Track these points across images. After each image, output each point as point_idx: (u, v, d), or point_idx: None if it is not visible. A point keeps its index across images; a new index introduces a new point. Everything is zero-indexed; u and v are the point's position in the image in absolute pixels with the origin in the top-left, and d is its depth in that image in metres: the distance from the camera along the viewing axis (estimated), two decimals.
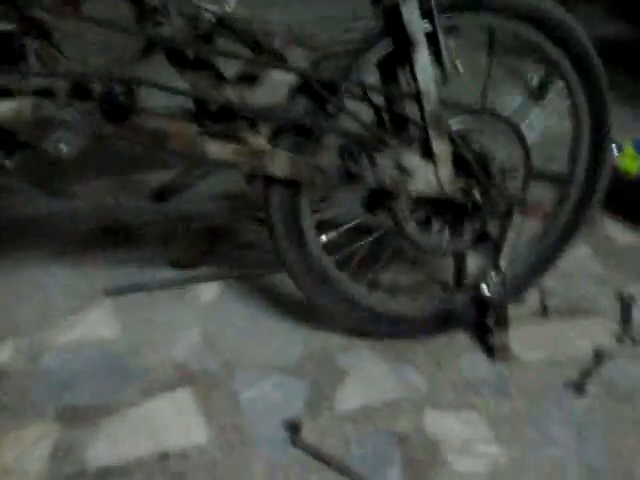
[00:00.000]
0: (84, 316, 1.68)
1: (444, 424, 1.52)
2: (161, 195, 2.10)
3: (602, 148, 1.64)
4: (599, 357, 1.71)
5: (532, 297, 1.86)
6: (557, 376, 1.65)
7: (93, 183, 2.09)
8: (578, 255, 2.07)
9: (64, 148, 1.29)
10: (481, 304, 1.67)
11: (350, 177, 1.42)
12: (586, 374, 1.66)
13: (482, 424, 1.53)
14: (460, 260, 1.69)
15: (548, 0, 1.48)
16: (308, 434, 1.45)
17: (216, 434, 1.43)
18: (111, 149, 2.15)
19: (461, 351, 1.70)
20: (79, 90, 1.31)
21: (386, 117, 1.53)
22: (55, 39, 1.28)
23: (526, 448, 1.48)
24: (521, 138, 1.53)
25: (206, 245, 1.92)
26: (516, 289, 1.72)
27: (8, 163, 1.38)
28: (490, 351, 1.68)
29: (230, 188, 2.11)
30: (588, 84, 1.56)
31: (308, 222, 1.51)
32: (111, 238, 1.93)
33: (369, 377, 1.61)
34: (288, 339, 1.68)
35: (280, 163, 1.40)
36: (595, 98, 1.58)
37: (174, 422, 1.45)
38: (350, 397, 1.55)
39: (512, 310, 1.77)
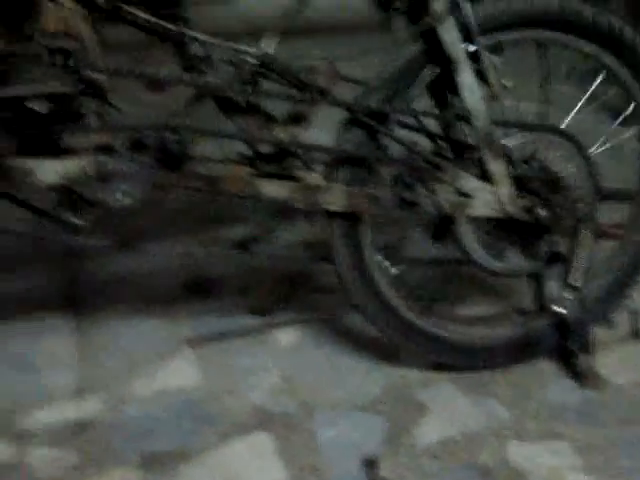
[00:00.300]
0: (166, 366, 1.72)
1: (529, 455, 1.46)
2: (241, 247, 2.15)
3: None
4: None
5: (623, 320, 1.77)
6: None
7: (173, 241, 2.15)
8: None
9: (125, 199, 1.35)
10: (563, 328, 1.61)
11: (406, 204, 1.42)
12: None
13: (570, 453, 1.46)
14: (538, 283, 1.63)
15: (587, 6, 1.45)
16: (387, 471, 1.42)
17: (294, 476, 1.42)
18: (189, 207, 2.25)
19: (545, 379, 1.64)
20: (136, 143, 1.38)
21: (443, 143, 1.53)
22: (110, 97, 1.36)
23: (619, 477, 1.39)
24: (585, 155, 1.48)
25: (284, 292, 1.94)
26: (599, 312, 1.64)
27: (79, 222, 1.46)
28: (577, 377, 1.60)
29: (307, 236, 2.13)
30: None
31: (372, 255, 1.51)
32: (192, 291, 1.98)
33: (449, 410, 1.57)
34: (366, 377, 1.66)
35: (335, 197, 1.41)
36: None
37: (252, 465, 1.45)
38: (430, 431, 1.52)
39: (601, 335, 1.71)
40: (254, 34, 1.45)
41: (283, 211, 2.30)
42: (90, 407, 1.60)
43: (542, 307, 1.61)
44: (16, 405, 1.60)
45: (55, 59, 1.26)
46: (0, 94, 1.22)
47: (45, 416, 1.57)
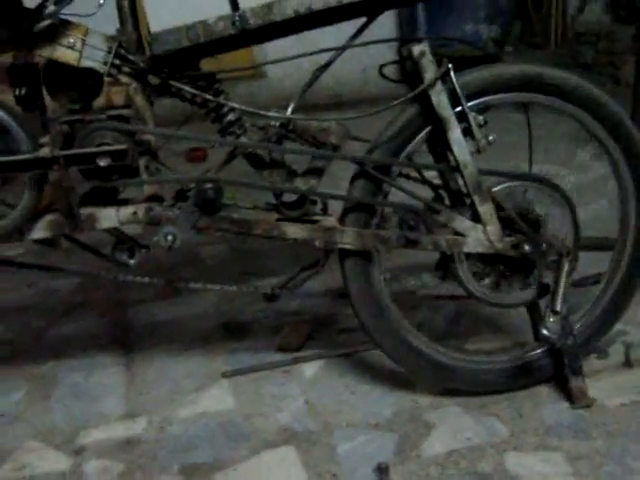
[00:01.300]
0: (205, 394, 1.94)
1: (525, 463, 1.63)
2: (272, 296, 2.39)
3: None
4: None
5: (617, 350, 1.97)
6: (638, 417, 1.73)
7: (213, 291, 2.41)
8: None
9: (172, 240, 1.60)
10: (556, 354, 1.80)
11: (409, 243, 1.66)
12: None
13: (562, 462, 1.63)
14: (534, 314, 1.83)
15: (573, 76, 1.69)
16: (397, 476, 1.61)
17: None
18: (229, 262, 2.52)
19: (543, 401, 1.82)
20: (180, 193, 1.65)
21: (442, 191, 1.77)
22: (160, 155, 1.64)
23: None
24: (566, 198, 1.71)
25: (309, 331, 2.17)
26: (588, 343, 1.84)
27: (131, 263, 1.73)
28: (570, 398, 1.79)
29: (331, 285, 2.36)
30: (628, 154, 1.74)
31: (383, 289, 1.74)
32: (228, 333, 2.23)
33: (454, 428, 1.75)
34: (381, 401, 1.86)
35: (348, 237, 1.65)
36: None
37: (278, 473, 1.66)
38: (436, 445, 1.70)
39: (597, 364, 1.90)
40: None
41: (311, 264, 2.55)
42: (138, 427, 1.83)
43: (536, 336, 1.82)
44: (73, 425, 1.84)
45: (118, 124, 1.55)
46: (77, 151, 1.49)
47: (98, 434, 1.81)
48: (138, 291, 2.50)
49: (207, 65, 1.68)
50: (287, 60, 1.57)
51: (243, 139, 1.65)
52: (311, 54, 1.63)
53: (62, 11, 1.53)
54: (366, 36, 1.67)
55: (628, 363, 1.94)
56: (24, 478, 1.67)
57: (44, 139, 1.52)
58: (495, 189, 1.68)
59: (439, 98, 1.59)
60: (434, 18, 4.76)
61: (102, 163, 1.51)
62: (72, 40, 1.53)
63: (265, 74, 4.97)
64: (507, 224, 1.69)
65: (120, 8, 1.54)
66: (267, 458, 1.70)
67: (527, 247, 1.68)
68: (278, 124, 1.61)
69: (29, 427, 1.84)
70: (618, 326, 2.02)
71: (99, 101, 1.60)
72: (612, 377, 1.90)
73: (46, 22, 1.49)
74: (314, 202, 1.69)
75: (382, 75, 1.75)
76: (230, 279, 2.48)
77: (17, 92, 1.59)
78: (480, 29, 4.84)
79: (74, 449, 1.76)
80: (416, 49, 1.58)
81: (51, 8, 1.49)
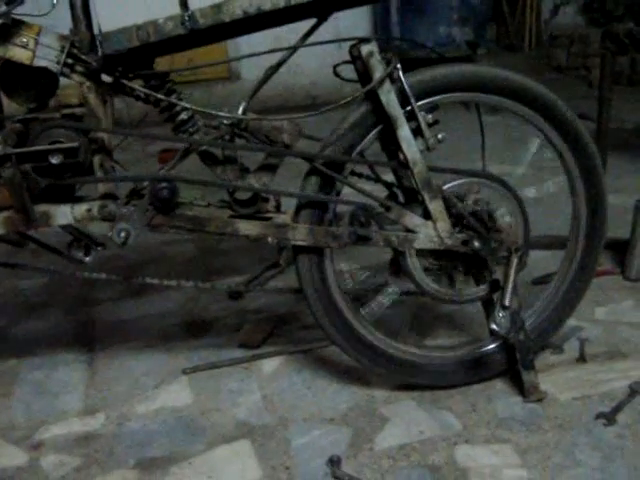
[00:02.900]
0: (164, 391, 1.96)
1: (475, 455, 1.66)
2: (235, 295, 2.42)
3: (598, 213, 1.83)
4: (634, 391, 1.81)
5: (572, 346, 2.00)
6: (589, 411, 1.78)
7: (176, 288, 2.43)
8: (621, 307, 2.20)
9: (125, 237, 1.62)
10: (509, 349, 1.84)
11: (360, 239, 1.68)
12: (619, 406, 1.77)
13: (512, 454, 1.66)
14: (488, 309, 1.86)
15: (519, 75, 1.72)
16: (349, 469, 1.63)
17: (268, 473, 1.64)
18: (194, 261, 2.54)
19: (496, 395, 1.86)
20: (134, 192, 1.67)
21: (396, 189, 1.80)
22: (114, 153, 1.66)
23: (553, 472, 1.60)
24: (515, 195, 1.75)
25: (270, 328, 2.19)
26: (538, 338, 1.88)
27: (87, 260, 1.75)
28: (522, 392, 1.82)
29: (294, 283, 2.38)
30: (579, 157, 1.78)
31: (336, 285, 1.76)
32: (191, 330, 2.25)
33: (408, 422, 1.78)
34: (337, 396, 1.89)
35: (300, 233, 1.68)
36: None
37: (233, 466, 1.68)
38: (388, 438, 1.73)
39: (552, 359, 1.94)
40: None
41: (275, 264, 2.59)
42: (96, 422, 1.85)
43: (490, 331, 1.85)
44: (33, 421, 1.86)
45: (68, 122, 1.57)
46: (28, 149, 1.51)
47: (56, 430, 1.82)
48: (103, 290, 2.53)
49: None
50: (236, 60, 1.59)
51: (196, 137, 1.67)
52: (263, 53, 1.66)
53: (16, 11, 1.55)
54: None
55: (582, 358, 1.97)
56: None
57: None
58: (445, 186, 1.71)
59: (388, 97, 1.62)
60: (407, 20, 4.80)
61: (54, 161, 1.53)
62: (25, 39, 1.55)
63: (239, 76, 5.00)
64: (458, 221, 1.72)
65: (73, 7, 1.55)
66: (222, 452, 1.73)
67: (477, 243, 1.71)
68: (231, 123, 1.63)
69: None
70: (574, 322, 2.07)
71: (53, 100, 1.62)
72: (565, 372, 1.93)
73: None
74: (266, 200, 1.71)
75: (336, 74, 1.77)
76: (195, 277, 2.49)
77: None
78: (453, 31, 4.89)
79: (32, 444, 1.78)
80: (364, 49, 1.61)
81: (3, 8, 1.50)
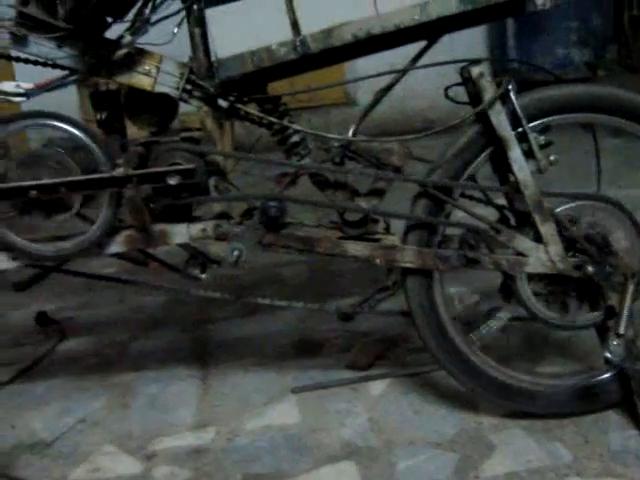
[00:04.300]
0: (272, 408, 2.00)
1: None
2: (346, 316, 2.44)
3: None
4: None
5: None
6: None
7: (288, 310, 2.48)
8: None
9: (238, 256, 1.68)
10: (624, 378, 1.76)
11: (469, 262, 1.67)
12: None
13: None
14: (603, 336, 1.79)
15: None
16: None
17: None
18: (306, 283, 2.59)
19: (610, 427, 1.78)
20: (248, 212, 1.73)
21: (508, 212, 1.78)
22: (228, 175, 1.72)
23: None
24: (631, 219, 1.68)
25: (379, 351, 2.20)
26: None
27: (202, 277, 1.81)
28: (639, 425, 1.74)
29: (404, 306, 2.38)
30: None
31: (444, 308, 1.75)
32: (301, 351, 2.28)
33: (516, 450, 1.73)
34: (444, 421, 1.87)
35: (408, 256, 1.68)
36: None
37: None
38: (495, 466, 1.69)
39: None
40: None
41: (387, 286, 2.59)
42: (207, 437, 1.90)
43: (604, 359, 1.78)
44: (147, 433, 1.93)
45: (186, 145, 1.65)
46: (148, 170, 1.60)
47: (169, 442, 1.89)
48: (218, 310, 2.60)
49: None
50: (347, 83, 1.62)
51: (307, 160, 1.71)
52: (374, 76, 1.69)
53: (140, 41, 1.64)
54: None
55: None
56: None
57: (120, 160, 1.62)
58: (558, 209, 1.67)
59: (499, 118, 1.60)
60: (524, 42, 4.73)
61: (171, 182, 1.60)
62: (147, 67, 1.64)
63: (356, 102, 5.08)
64: (571, 245, 1.67)
65: (192, 36, 1.63)
66: (327, 471, 1.73)
67: (590, 268, 1.66)
68: (339, 145, 1.66)
69: (106, 432, 1.94)
70: None
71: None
72: None
73: (124, 51, 1.60)
74: (376, 221, 1.72)
75: (447, 97, 1.77)
76: (307, 298, 2.54)
77: (99, 116, 1.71)
78: (572, 53, 4.77)
79: (146, 455, 1.85)
80: (474, 70, 1.60)
81: (128, 38, 1.60)
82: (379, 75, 1.71)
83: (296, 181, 1.73)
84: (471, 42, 4.73)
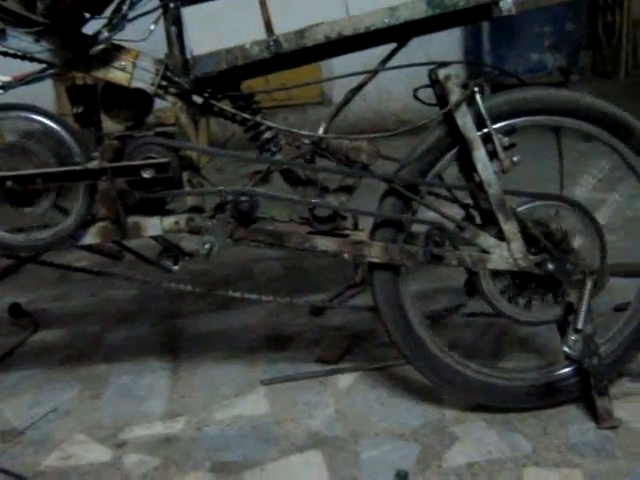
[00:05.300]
0: (242, 400, 2.04)
1: (543, 479, 1.66)
2: (316, 311, 2.49)
3: None
4: None
5: None
6: None
7: (260, 305, 2.52)
8: None
9: (209, 249, 1.71)
10: (583, 373, 1.82)
11: (434, 258, 1.72)
12: None
13: (581, 479, 1.64)
14: (563, 331, 1.85)
15: (601, 100, 1.73)
16: None
17: None
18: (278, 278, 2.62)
19: (569, 419, 1.84)
20: (220, 206, 1.77)
21: (473, 210, 1.83)
22: (202, 169, 1.76)
23: None
24: (590, 218, 1.75)
25: (347, 345, 2.24)
26: (614, 364, 1.86)
27: (175, 268, 1.85)
28: (595, 418, 1.80)
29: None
30: None
31: (410, 304, 1.80)
32: (271, 344, 2.33)
33: (477, 441, 1.79)
34: (409, 413, 1.92)
35: (376, 251, 1.73)
36: None
37: (303, 474, 1.73)
38: (457, 457, 1.75)
39: (629, 386, 1.91)
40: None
41: (356, 283, 2.64)
42: (177, 426, 1.94)
43: (563, 354, 1.84)
44: (118, 422, 1.96)
45: (162, 140, 1.68)
46: (122, 164, 1.63)
47: (139, 431, 1.92)
48: (190, 304, 2.64)
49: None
50: (320, 82, 1.66)
51: (278, 156, 1.75)
52: (346, 76, 1.74)
53: (116, 37, 1.68)
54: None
55: None
56: (69, 467, 1.80)
57: (95, 152, 1.66)
58: (520, 208, 1.73)
59: (464, 120, 1.66)
60: (498, 46, 4.81)
61: (146, 175, 1.64)
62: (124, 63, 1.68)
63: (332, 101, 5.13)
64: (533, 243, 1.73)
65: (168, 33, 1.67)
66: (294, 460, 1.78)
67: (551, 265, 1.72)
68: (310, 142, 1.71)
69: (78, 422, 1.98)
70: None
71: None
72: None
73: (101, 46, 1.64)
74: (344, 217, 1.77)
75: (416, 98, 1.82)
76: (279, 294, 2.58)
77: (75, 110, 1.74)
78: (545, 58, 4.86)
79: (116, 443, 1.88)
80: (441, 73, 1.66)
81: (105, 34, 1.63)
82: (351, 75, 1.76)
83: (269, 177, 1.76)
84: (446, 46, 4.81)
